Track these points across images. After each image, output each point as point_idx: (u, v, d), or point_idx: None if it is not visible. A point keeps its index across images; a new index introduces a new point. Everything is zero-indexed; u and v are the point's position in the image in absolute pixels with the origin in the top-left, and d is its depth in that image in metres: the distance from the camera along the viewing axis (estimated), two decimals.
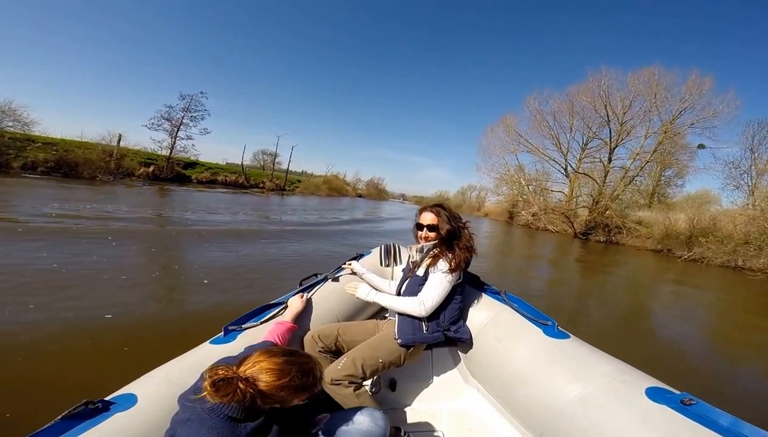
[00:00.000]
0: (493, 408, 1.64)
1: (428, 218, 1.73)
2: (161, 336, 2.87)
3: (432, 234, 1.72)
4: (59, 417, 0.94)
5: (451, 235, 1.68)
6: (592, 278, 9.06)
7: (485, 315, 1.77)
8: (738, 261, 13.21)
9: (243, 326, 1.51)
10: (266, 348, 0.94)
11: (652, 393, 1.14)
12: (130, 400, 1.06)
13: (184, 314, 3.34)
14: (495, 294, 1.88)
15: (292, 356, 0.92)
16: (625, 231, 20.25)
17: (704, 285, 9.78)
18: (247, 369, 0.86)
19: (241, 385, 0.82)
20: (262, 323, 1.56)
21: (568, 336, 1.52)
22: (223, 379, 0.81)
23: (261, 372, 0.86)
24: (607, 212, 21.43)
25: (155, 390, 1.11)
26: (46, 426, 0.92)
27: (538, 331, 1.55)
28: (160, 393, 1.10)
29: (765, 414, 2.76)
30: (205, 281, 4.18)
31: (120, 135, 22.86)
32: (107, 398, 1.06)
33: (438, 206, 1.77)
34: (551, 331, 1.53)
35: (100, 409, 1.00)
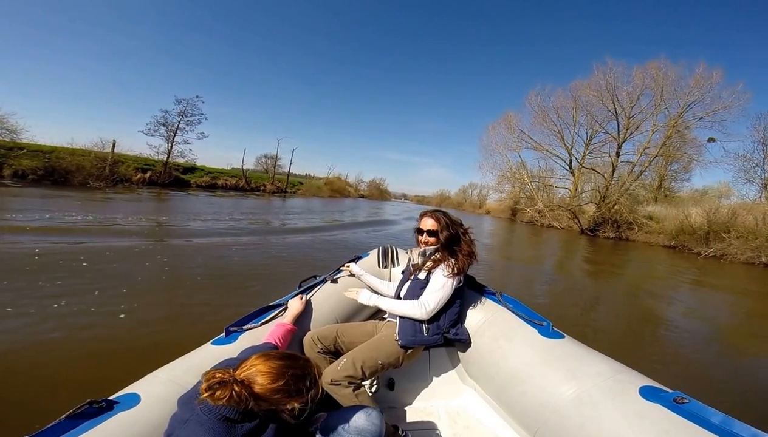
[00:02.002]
0: (489, 406, 1.66)
1: (428, 223, 1.76)
2: None
3: (432, 239, 1.75)
4: (64, 416, 0.96)
5: (451, 241, 1.71)
6: (605, 282, 8.00)
7: (482, 316, 1.80)
8: (762, 257, 12.28)
9: (244, 327, 1.54)
10: (264, 352, 0.96)
11: (646, 392, 1.16)
12: (134, 400, 1.08)
13: (49, 372, 2.27)
14: (491, 295, 1.91)
15: (289, 360, 0.94)
16: (636, 227, 19.59)
17: (737, 289, 8.41)
18: (243, 372, 0.89)
19: (236, 388, 0.84)
20: (262, 324, 1.59)
21: (563, 337, 1.54)
22: (219, 382, 0.84)
23: (256, 375, 0.88)
24: (615, 207, 20.90)
25: (158, 390, 1.13)
26: (50, 425, 0.94)
27: (533, 331, 1.57)
28: (163, 392, 1.12)
29: None
30: (122, 315, 3.17)
31: (114, 141, 22.07)
32: (111, 397, 1.08)
33: (438, 212, 1.80)
34: (546, 331, 1.56)
35: (104, 408, 1.02)
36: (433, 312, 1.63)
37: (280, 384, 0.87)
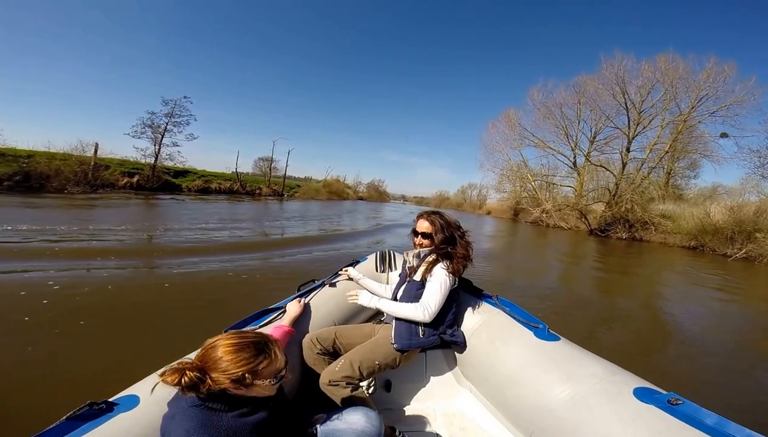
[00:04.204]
0: (485, 408, 1.68)
1: (423, 226, 1.78)
2: None
3: (426, 242, 1.77)
4: (64, 417, 0.97)
5: (445, 243, 1.72)
6: (632, 298, 6.38)
7: (478, 319, 1.81)
8: None
9: (242, 330, 1.55)
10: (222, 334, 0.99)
11: (640, 393, 1.17)
12: (133, 401, 1.09)
13: None
14: (488, 298, 1.92)
15: (238, 333, 0.96)
16: (653, 228, 18.61)
17: None
18: (199, 356, 0.92)
19: (188, 372, 0.86)
20: (261, 327, 1.60)
21: (558, 339, 1.56)
22: (172, 369, 0.87)
23: (207, 353, 0.91)
24: (627, 205, 19.87)
25: (158, 391, 1.13)
26: (50, 427, 0.95)
27: (529, 334, 1.59)
28: (163, 394, 1.12)
29: None
30: None
31: (96, 144, 20.92)
32: (111, 399, 1.09)
33: (434, 214, 1.81)
34: (542, 334, 1.57)
35: (103, 410, 1.03)
36: (435, 314, 1.63)
37: (224, 354, 0.89)
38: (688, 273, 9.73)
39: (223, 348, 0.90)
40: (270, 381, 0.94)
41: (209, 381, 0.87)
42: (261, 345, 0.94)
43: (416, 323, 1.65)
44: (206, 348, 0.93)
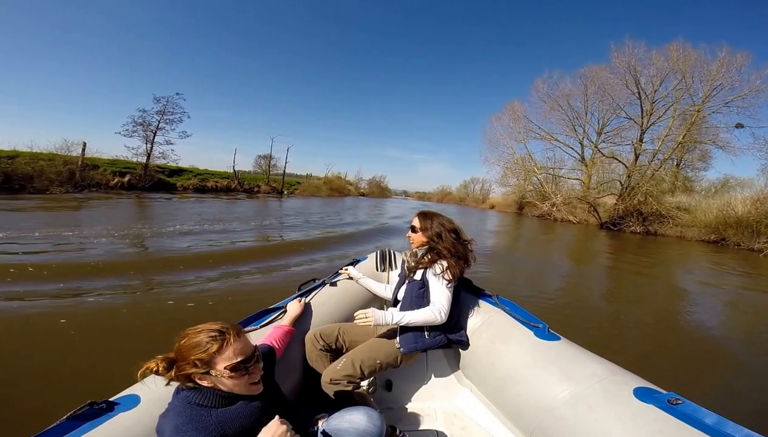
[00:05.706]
0: (485, 407, 1.68)
1: (414, 221, 1.81)
2: None
3: (415, 236, 1.79)
4: (64, 417, 0.98)
5: (438, 240, 1.72)
6: (663, 307, 5.27)
7: (479, 319, 1.81)
8: None
9: (243, 330, 1.55)
10: None
11: (640, 393, 1.17)
12: (134, 401, 1.09)
13: None
14: (488, 297, 1.92)
15: (205, 324, 0.98)
16: (670, 221, 17.79)
17: None
18: (173, 348, 0.96)
19: (159, 362, 0.90)
20: (261, 327, 1.60)
21: (559, 339, 1.55)
22: (153, 360, 0.91)
23: (177, 344, 0.94)
24: (641, 197, 19.25)
25: (158, 391, 1.14)
26: (51, 426, 0.95)
27: (529, 333, 1.59)
28: (163, 394, 1.12)
29: None
30: None
31: (84, 143, 20.34)
32: (111, 399, 1.09)
33: (427, 212, 1.83)
34: (542, 333, 1.57)
35: (104, 409, 1.04)
36: (448, 313, 1.62)
37: (185, 340, 0.93)
38: (720, 272, 8.79)
39: (185, 337, 0.94)
40: (228, 371, 0.91)
41: (174, 369, 0.91)
42: (215, 332, 0.94)
43: (440, 324, 1.64)
44: (178, 340, 0.96)
